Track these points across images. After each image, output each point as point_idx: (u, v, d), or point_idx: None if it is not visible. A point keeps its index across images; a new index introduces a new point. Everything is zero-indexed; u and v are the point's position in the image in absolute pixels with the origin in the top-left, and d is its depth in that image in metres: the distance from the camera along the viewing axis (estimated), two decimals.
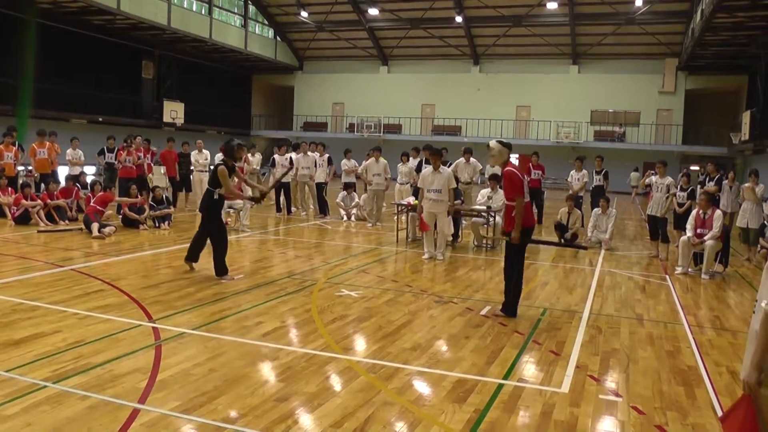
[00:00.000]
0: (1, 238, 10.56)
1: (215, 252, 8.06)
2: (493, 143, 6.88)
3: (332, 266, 9.35)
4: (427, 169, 10.40)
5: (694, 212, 10.12)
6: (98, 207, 11.40)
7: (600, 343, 5.91)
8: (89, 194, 12.33)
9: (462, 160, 13.16)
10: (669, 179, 11.37)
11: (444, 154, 14.27)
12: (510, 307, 6.73)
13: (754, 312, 2.75)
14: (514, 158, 25.39)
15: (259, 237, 12.18)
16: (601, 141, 34.66)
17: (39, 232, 11.13)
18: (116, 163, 14.99)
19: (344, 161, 16.60)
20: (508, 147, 6.90)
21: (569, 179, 15.52)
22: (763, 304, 2.66)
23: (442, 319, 6.56)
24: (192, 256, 8.35)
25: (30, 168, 15.22)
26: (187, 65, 35.00)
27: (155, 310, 6.28)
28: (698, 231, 9.85)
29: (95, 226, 10.92)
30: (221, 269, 8.01)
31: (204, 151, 16.17)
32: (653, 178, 11.46)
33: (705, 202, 9.95)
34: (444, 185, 10.06)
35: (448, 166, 14.63)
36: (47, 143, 14.25)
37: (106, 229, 11.07)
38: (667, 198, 11.22)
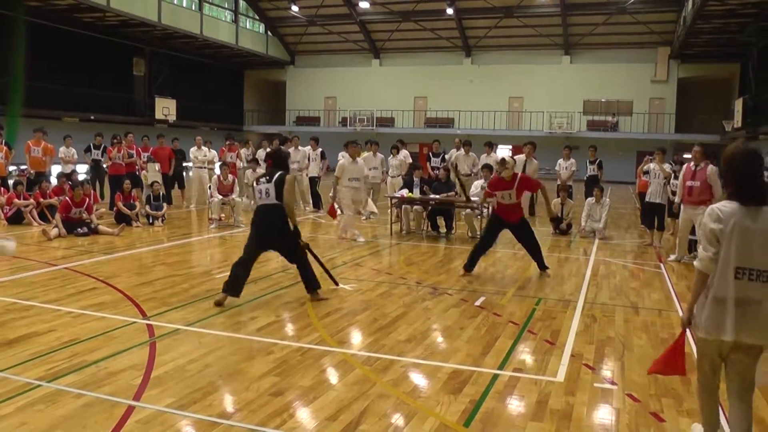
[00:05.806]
0: None
1: (304, 268, 6.88)
2: (508, 158, 8.62)
3: (326, 260, 9.33)
4: (346, 160, 11.44)
5: (684, 167, 9.44)
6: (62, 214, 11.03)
7: (595, 332, 5.93)
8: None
9: (462, 152, 13.28)
10: (667, 166, 11.37)
11: (437, 145, 14.56)
12: (470, 261, 8.35)
13: None
14: (507, 149, 25.32)
15: None
16: (594, 131, 34.62)
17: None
18: (103, 160, 14.95)
19: (342, 153, 16.55)
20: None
21: (557, 168, 15.48)
22: (695, 263, 3.42)
23: (437, 310, 6.57)
24: (238, 288, 6.60)
25: (24, 167, 15.12)
26: (178, 62, 34.82)
27: (149, 307, 6.27)
28: (688, 183, 9.07)
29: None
30: (314, 282, 6.90)
31: (203, 147, 16.02)
32: (651, 165, 11.45)
33: (699, 154, 9.04)
34: (361, 174, 11.53)
35: (441, 158, 14.72)
36: (42, 142, 14.14)
37: (52, 232, 10.56)
38: (665, 185, 11.25)
